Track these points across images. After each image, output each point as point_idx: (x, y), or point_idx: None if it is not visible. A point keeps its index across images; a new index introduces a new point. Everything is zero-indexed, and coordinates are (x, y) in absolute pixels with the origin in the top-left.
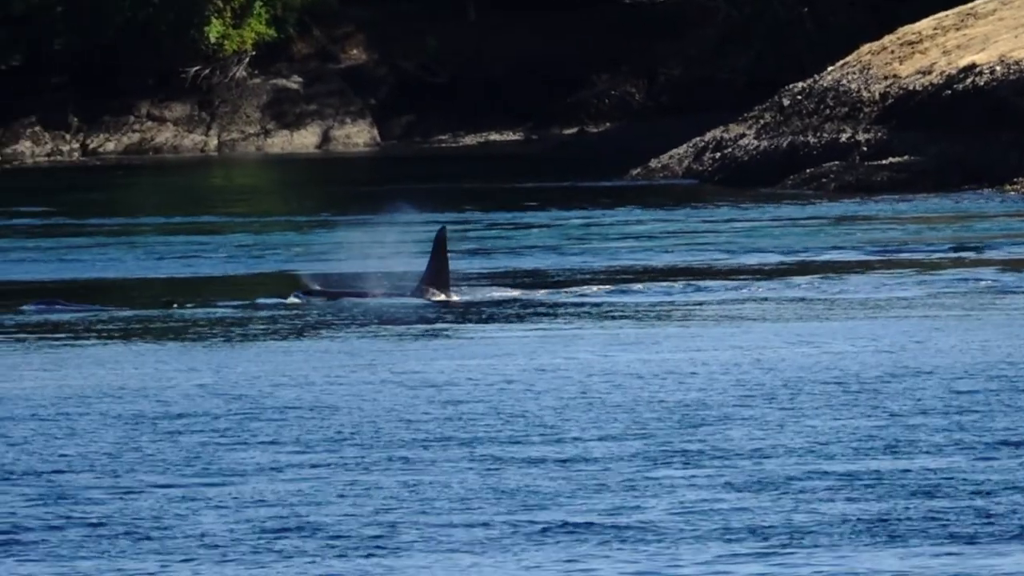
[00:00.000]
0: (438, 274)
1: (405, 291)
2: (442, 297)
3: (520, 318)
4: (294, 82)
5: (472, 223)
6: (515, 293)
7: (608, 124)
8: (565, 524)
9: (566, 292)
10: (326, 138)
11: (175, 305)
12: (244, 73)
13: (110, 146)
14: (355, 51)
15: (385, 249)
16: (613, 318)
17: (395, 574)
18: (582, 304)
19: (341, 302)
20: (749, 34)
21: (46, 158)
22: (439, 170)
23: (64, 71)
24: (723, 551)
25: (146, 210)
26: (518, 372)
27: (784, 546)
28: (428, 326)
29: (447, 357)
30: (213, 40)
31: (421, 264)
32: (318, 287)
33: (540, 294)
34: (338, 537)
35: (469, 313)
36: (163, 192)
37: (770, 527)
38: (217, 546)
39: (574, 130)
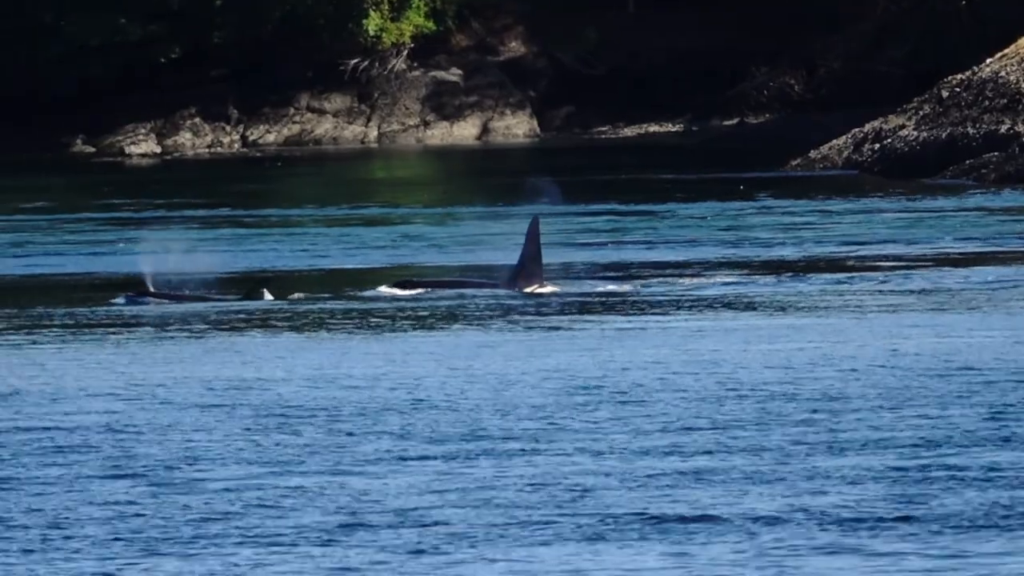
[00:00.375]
0: (530, 265)
1: (497, 282)
2: (534, 288)
3: (606, 310)
4: (453, 74)
5: (622, 214)
6: (613, 286)
7: (768, 115)
8: (683, 516)
9: (676, 284)
10: (485, 129)
11: (266, 296)
12: (403, 65)
13: (270, 138)
14: (514, 43)
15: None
16: (704, 311)
17: (523, 565)
18: (685, 296)
19: (431, 293)
20: (907, 27)
21: (206, 150)
22: (598, 161)
23: (224, 64)
24: (845, 539)
25: (304, 202)
26: (592, 366)
27: (933, 534)
28: (519, 318)
29: (536, 351)
30: (371, 33)
31: (559, 255)
32: (413, 279)
33: (640, 286)
34: (463, 527)
35: (558, 305)
36: (322, 184)
37: (911, 516)
38: (330, 537)
39: (734, 121)
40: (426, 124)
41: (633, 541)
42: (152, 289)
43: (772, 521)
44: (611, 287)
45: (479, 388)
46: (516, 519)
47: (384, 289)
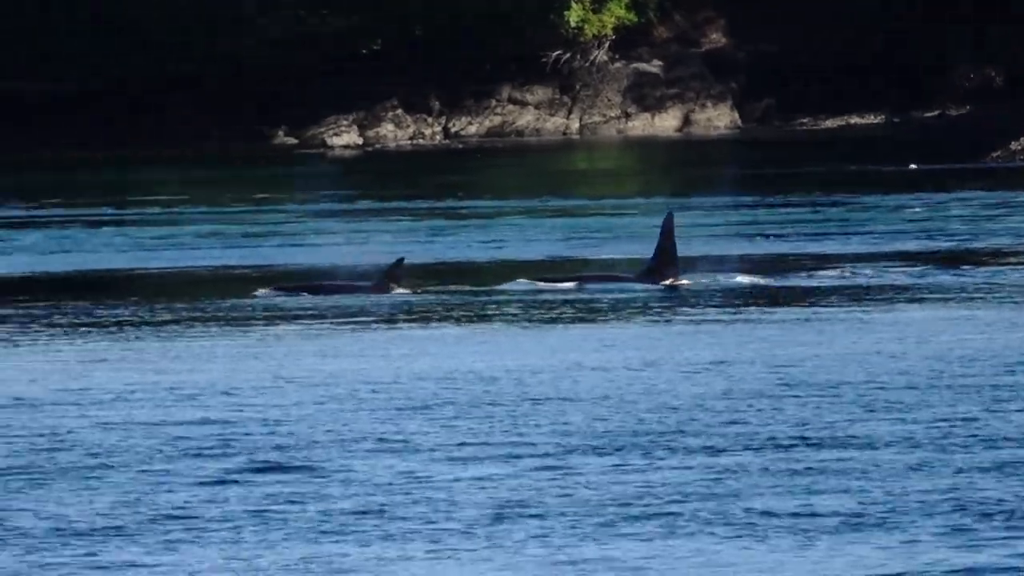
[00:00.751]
0: (665, 258)
1: (632, 276)
2: (669, 282)
3: (743, 303)
4: (654, 66)
5: (816, 205)
6: (750, 278)
7: (969, 106)
8: (834, 512)
9: (825, 276)
10: (687, 121)
11: (396, 288)
12: (605, 57)
13: (471, 129)
14: (715, 35)
15: (703, 232)
16: (852, 303)
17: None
18: (830, 288)
19: (568, 287)
20: None
21: (408, 141)
22: (797, 153)
23: (426, 55)
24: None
25: (501, 193)
26: (739, 359)
27: None
28: (660, 312)
29: (681, 345)
30: (573, 24)
31: (733, 247)
32: (546, 275)
33: (773, 279)
34: (615, 520)
35: (694, 298)
36: (521, 175)
37: None
38: (480, 530)
39: (935, 113)
40: (627, 116)
41: (780, 537)
42: (290, 283)
43: (922, 515)
44: (749, 279)
45: (630, 382)
46: (668, 513)
47: (523, 282)
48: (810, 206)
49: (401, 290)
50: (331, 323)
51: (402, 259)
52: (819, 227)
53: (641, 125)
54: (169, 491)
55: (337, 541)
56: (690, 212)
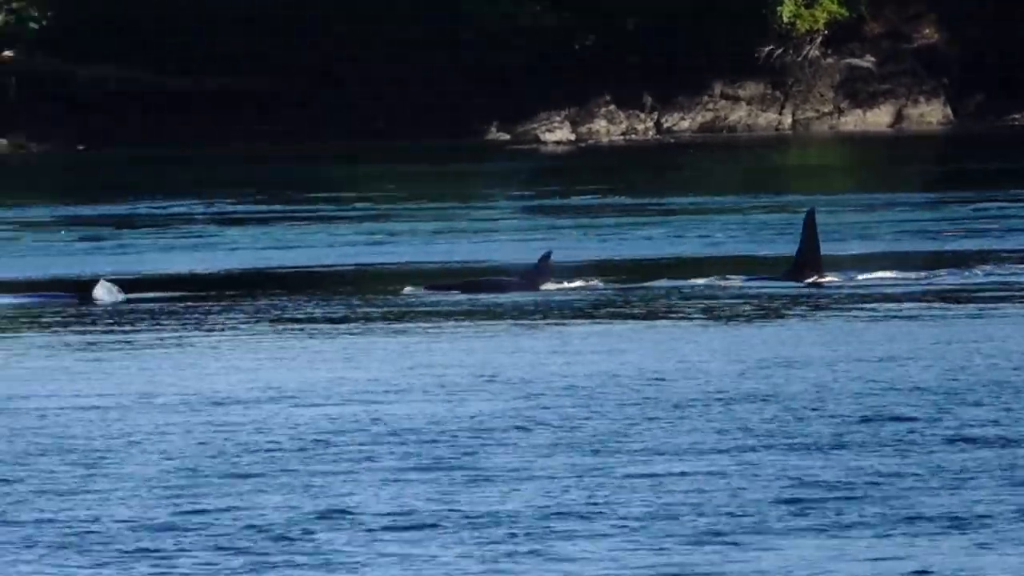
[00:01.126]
0: (810, 255)
1: (777, 274)
2: (815, 279)
3: (888, 299)
4: (867, 61)
5: (1009, 202)
6: (893, 274)
7: None
8: (988, 513)
9: (980, 274)
10: (899, 117)
11: (546, 285)
12: (817, 52)
13: (684, 125)
14: (928, 30)
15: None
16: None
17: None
18: (977, 287)
19: (705, 285)
20: None
21: (621, 137)
22: (1008, 150)
23: (638, 51)
24: None
25: (708, 189)
26: (906, 357)
27: None
28: (807, 310)
29: (841, 341)
30: (786, 20)
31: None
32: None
33: (933, 277)
34: (762, 518)
35: (839, 296)
36: (732, 171)
37: None
38: (638, 526)
39: None
40: (840, 111)
41: (941, 538)
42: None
43: None
44: (897, 275)
45: (790, 380)
46: (819, 511)
47: (668, 281)
48: (1016, 202)
49: (550, 286)
50: (492, 320)
51: (549, 254)
52: (1014, 223)
53: (853, 121)
54: (337, 490)
55: (503, 539)
56: (897, 208)
